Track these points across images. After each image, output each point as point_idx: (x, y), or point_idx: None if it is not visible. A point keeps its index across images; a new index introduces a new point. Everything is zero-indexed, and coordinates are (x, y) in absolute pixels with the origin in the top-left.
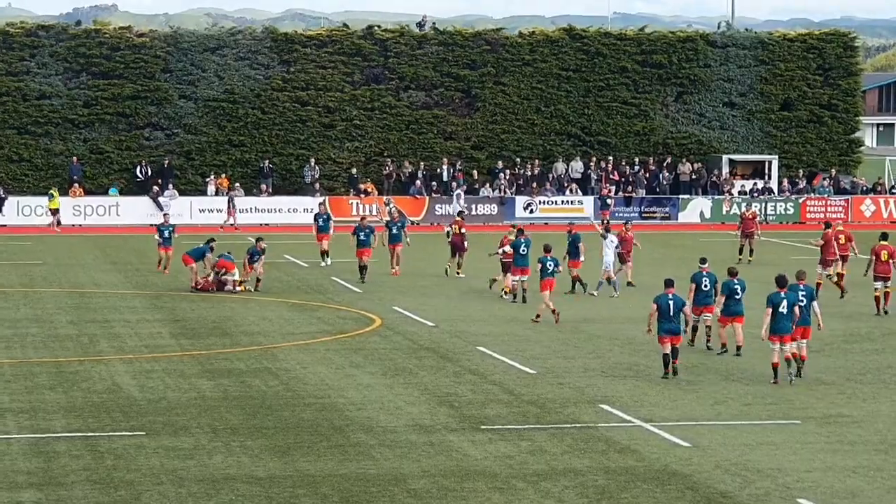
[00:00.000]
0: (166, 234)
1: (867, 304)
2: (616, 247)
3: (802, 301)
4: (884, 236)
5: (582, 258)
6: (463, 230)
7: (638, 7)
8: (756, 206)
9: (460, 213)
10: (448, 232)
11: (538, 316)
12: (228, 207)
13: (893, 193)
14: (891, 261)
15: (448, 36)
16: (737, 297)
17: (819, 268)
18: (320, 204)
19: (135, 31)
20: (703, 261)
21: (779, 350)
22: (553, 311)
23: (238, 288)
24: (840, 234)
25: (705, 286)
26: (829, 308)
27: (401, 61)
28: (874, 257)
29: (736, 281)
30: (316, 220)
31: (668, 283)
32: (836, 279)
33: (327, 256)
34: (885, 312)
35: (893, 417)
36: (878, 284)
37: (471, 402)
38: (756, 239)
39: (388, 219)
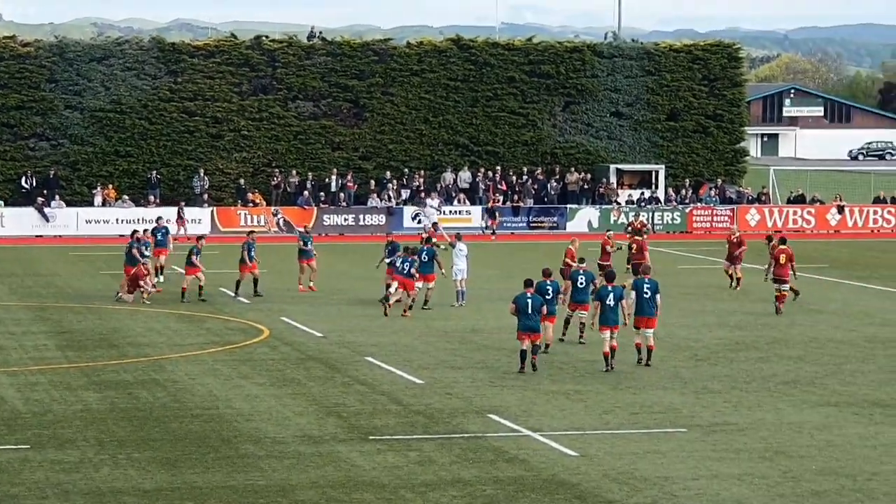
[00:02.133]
0: (159, 236)
1: (753, 312)
2: (466, 256)
3: (647, 294)
4: (782, 241)
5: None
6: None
7: (526, 17)
8: (644, 216)
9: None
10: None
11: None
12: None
13: (777, 203)
14: (790, 264)
15: (336, 46)
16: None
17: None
18: (158, 218)
19: (19, 41)
20: (581, 260)
21: (608, 339)
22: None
23: (151, 290)
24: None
25: (581, 283)
26: (717, 317)
27: (289, 72)
28: (773, 261)
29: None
30: (154, 233)
31: (528, 284)
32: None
33: (162, 273)
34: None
35: (777, 425)
36: (783, 287)
37: (359, 413)
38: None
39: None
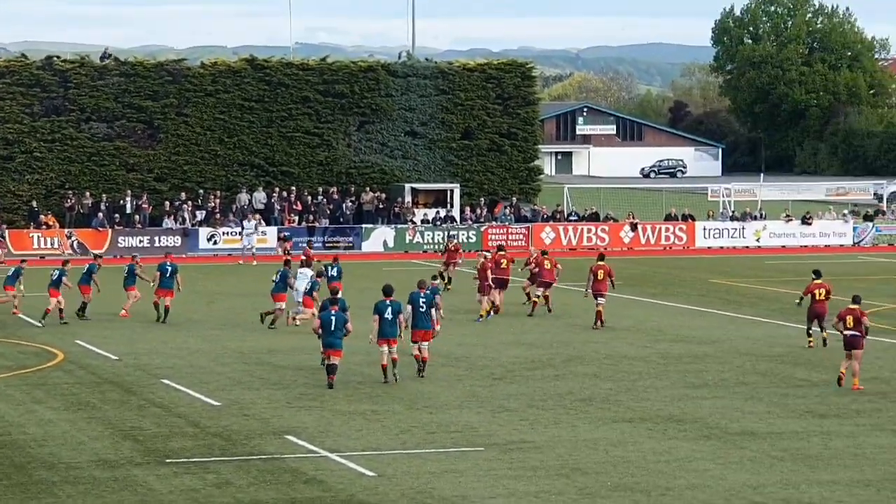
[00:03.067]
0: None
1: (549, 330)
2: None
3: (423, 308)
4: (601, 257)
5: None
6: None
7: (320, 37)
8: (456, 239)
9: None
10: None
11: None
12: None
13: (571, 220)
14: (608, 279)
15: (129, 67)
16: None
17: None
18: None
19: None
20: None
21: (387, 353)
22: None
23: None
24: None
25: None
26: (513, 336)
27: (81, 92)
28: (592, 276)
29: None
30: None
31: (387, 292)
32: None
33: None
34: (602, 325)
35: (573, 442)
36: (600, 300)
37: (155, 436)
38: (455, 269)
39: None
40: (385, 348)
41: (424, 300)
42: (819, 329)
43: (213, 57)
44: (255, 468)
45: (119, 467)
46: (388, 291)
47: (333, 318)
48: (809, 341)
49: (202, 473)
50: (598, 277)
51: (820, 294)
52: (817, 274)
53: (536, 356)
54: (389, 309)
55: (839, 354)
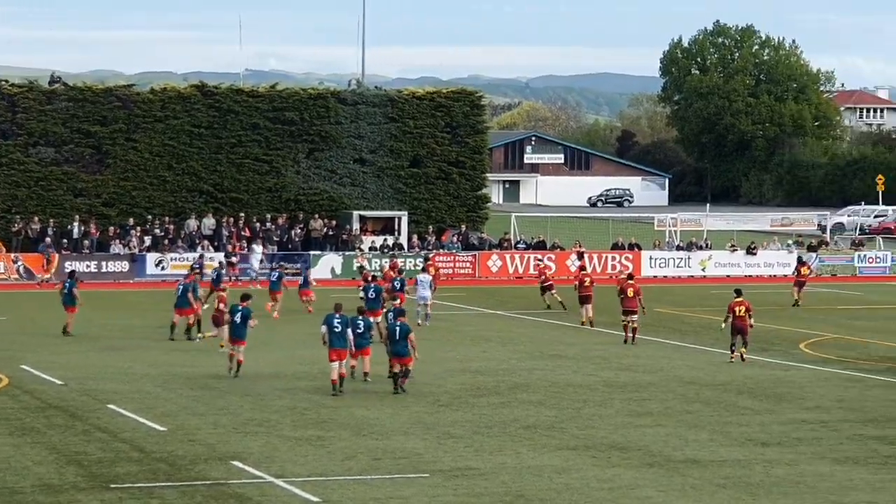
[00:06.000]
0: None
1: (494, 357)
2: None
3: (338, 328)
4: (630, 277)
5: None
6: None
7: (270, 64)
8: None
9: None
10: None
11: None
12: None
13: (518, 249)
14: (637, 297)
15: (78, 91)
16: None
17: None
18: None
19: None
20: (337, 307)
21: (336, 368)
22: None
23: None
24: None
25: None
26: (459, 363)
27: (29, 117)
28: (622, 294)
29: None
30: None
31: (337, 307)
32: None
33: None
34: (632, 342)
35: (518, 469)
36: (626, 318)
37: (100, 461)
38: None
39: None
40: (336, 364)
41: (339, 321)
42: (743, 344)
43: (163, 83)
44: (199, 494)
45: (63, 492)
46: (338, 306)
47: (339, 322)
48: (731, 356)
49: (147, 499)
50: (629, 295)
51: (740, 311)
52: (738, 292)
53: (482, 383)
54: (338, 321)
55: (783, 384)
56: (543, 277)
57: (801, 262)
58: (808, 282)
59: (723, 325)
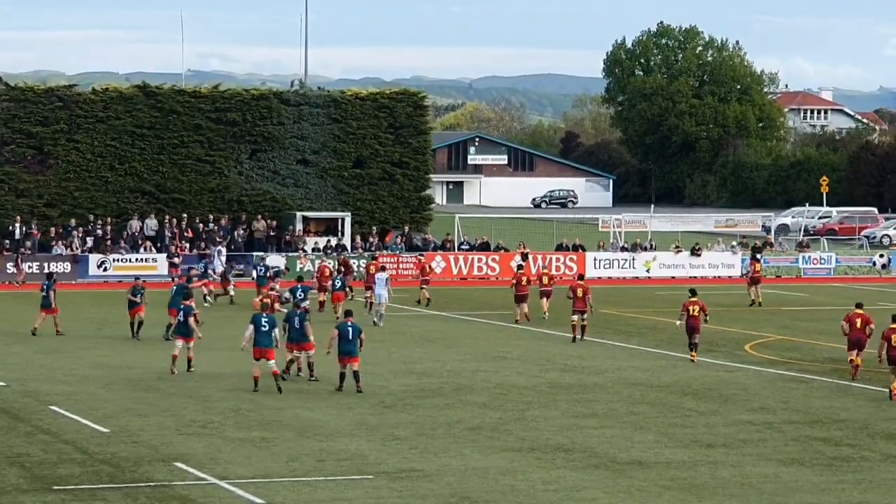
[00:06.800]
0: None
1: (439, 359)
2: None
3: (265, 327)
4: (580, 277)
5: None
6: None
7: (212, 64)
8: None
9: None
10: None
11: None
12: None
13: (462, 250)
14: (586, 297)
15: (19, 92)
16: (263, 329)
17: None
18: None
19: None
20: (347, 312)
21: (258, 365)
22: None
23: None
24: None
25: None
26: (403, 364)
27: None
28: (573, 294)
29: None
30: None
31: (348, 314)
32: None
33: None
34: (581, 339)
35: (463, 470)
36: (575, 317)
37: (43, 462)
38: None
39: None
40: (260, 361)
41: (267, 321)
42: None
43: (105, 83)
44: (143, 495)
45: (6, 494)
46: (265, 306)
47: (350, 328)
48: (692, 355)
49: (90, 500)
50: (578, 295)
51: (694, 310)
52: (693, 292)
53: (426, 385)
54: (265, 320)
55: (728, 385)
56: (542, 283)
57: (754, 258)
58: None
59: (678, 323)
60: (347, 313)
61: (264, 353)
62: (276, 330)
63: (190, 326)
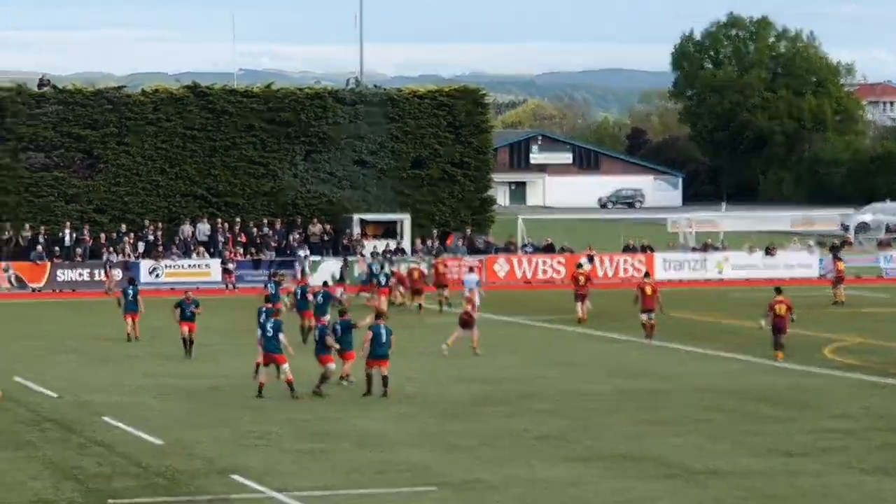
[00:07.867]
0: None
1: (502, 366)
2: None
3: (270, 332)
4: (647, 275)
5: None
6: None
7: (264, 63)
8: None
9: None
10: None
11: None
12: None
13: (526, 252)
14: (655, 294)
15: (68, 94)
16: (269, 334)
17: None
18: None
19: None
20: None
21: (264, 371)
22: None
23: None
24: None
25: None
26: (463, 371)
27: (18, 121)
28: (640, 293)
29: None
30: None
31: (378, 316)
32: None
33: None
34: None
35: (529, 481)
36: (644, 316)
37: (97, 475)
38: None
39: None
40: (267, 367)
41: (272, 325)
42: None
43: (154, 84)
44: None
45: None
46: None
47: (383, 330)
48: (777, 354)
49: None
50: (647, 293)
51: (780, 309)
52: (778, 290)
53: (488, 392)
54: (270, 325)
55: (806, 391)
56: (578, 284)
57: (836, 257)
58: (831, 284)
59: (762, 322)
60: (378, 316)
61: (273, 359)
62: (283, 335)
63: (327, 344)
